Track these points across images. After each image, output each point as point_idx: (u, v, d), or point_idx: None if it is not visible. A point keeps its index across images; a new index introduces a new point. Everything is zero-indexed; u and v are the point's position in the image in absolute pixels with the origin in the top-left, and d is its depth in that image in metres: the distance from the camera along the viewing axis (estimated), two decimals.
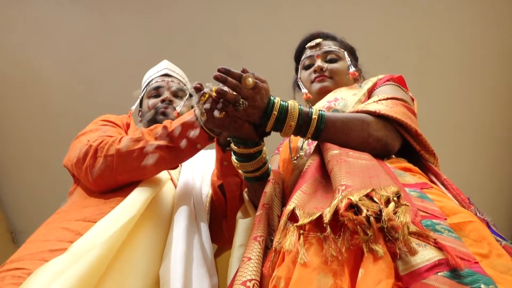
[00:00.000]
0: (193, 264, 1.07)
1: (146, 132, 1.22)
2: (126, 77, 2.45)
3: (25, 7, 2.58)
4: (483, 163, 2.96)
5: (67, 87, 2.81)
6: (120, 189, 1.21)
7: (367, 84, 1.29)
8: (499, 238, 0.83)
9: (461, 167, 2.75)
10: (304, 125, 0.99)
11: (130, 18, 2.66)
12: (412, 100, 1.26)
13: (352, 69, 1.35)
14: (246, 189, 1.30)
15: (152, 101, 1.56)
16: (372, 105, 1.10)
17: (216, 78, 0.92)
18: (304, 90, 1.39)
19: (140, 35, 2.69)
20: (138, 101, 1.63)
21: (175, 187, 1.33)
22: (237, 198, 1.33)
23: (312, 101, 1.39)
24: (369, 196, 0.69)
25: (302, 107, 1.00)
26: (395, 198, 0.69)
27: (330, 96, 1.28)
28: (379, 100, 1.13)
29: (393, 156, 1.07)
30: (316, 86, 1.36)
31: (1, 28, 2.63)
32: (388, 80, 1.28)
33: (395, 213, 0.67)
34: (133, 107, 1.58)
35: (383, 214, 0.66)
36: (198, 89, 0.96)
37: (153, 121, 1.50)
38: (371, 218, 0.65)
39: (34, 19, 2.62)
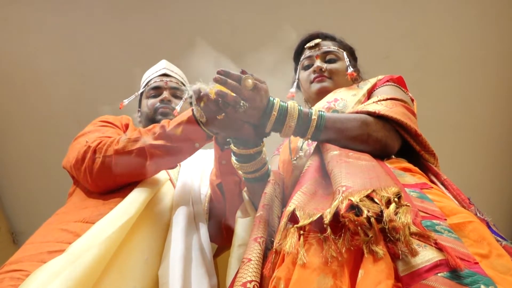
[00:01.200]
0: (192, 265, 1.07)
1: (144, 132, 1.22)
2: (126, 77, 2.45)
3: (25, 7, 2.57)
4: (483, 163, 2.96)
5: (67, 87, 2.81)
6: (119, 190, 1.21)
7: (367, 85, 1.29)
8: (499, 238, 0.83)
9: (461, 167, 2.75)
10: (303, 125, 0.99)
11: (130, 18, 2.65)
12: (412, 100, 1.26)
13: (350, 69, 1.35)
14: (245, 188, 1.29)
15: (151, 101, 1.56)
16: (372, 106, 1.10)
17: (216, 80, 0.92)
18: (291, 90, 1.38)
19: (140, 35, 2.69)
20: (133, 97, 1.63)
21: (174, 187, 1.33)
22: (236, 197, 1.33)
23: (311, 102, 1.39)
24: (369, 197, 0.69)
25: (301, 108, 1.00)
26: (395, 199, 0.69)
27: (329, 97, 1.28)
28: (378, 101, 1.13)
29: (393, 156, 1.07)
30: (316, 86, 1.36)
31: (1, 28, 2.62)
32: (387, 81, 1.27)
33: (396, 214, 0.67)
34: (126, 101, 1.57)
35: (384, 215, 0.66)
36: (197, 90, 0.96)
37: (152, 121, 1.50)
38: (372, 219, 0.65)
39: (34, 19, 2.61)
